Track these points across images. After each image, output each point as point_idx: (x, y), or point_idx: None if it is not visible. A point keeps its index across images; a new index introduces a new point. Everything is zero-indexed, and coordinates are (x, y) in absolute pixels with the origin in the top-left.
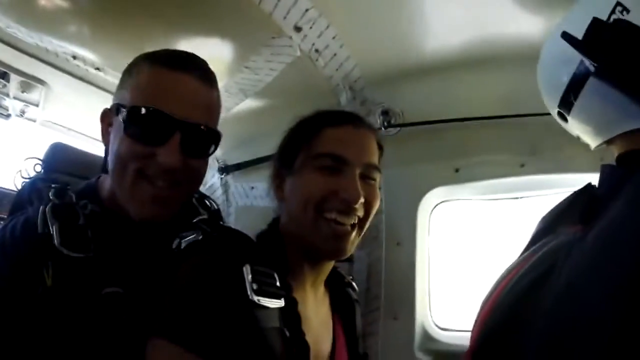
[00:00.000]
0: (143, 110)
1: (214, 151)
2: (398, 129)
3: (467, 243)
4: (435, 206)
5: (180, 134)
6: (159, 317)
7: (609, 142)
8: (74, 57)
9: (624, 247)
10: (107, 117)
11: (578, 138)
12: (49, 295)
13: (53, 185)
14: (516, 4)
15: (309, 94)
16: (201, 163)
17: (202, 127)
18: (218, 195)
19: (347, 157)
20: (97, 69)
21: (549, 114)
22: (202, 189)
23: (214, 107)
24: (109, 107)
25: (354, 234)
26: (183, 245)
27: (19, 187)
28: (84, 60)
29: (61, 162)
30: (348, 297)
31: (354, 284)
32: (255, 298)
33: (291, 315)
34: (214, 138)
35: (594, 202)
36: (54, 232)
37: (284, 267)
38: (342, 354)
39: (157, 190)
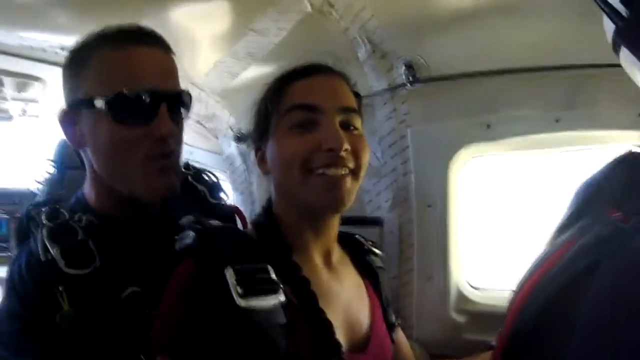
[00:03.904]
0: (128, 93)
1: (189, 113)
2: (424, 83)
3: (498, 198)
4: (465, 163)
5: (166, 105)
6: (157, 334)
7: None
8: (62, 49)
9: None
10: (69, 116)
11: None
12: (69, 318)
13: (43, 209)
14: None
15: (323, 51)
16: (182, 127)
17: (179, 92)
18: (237, 164)
19: (318, 104)
20: None
21: (585, 65)
22: (219, 158)
23: (177, 71)
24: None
25: (348, 180)
26: (180, 247)
27: (37, 190)
28: None
29: (72, 157)
30: (369, 265)
31: (376, 250)
32: (243, 303)
33: (305, 295)
34: (190, 100)
35: (635, 178)
36: (57, 257)
37: (284, 249)
38: (379, 320)
39: (162, 163)
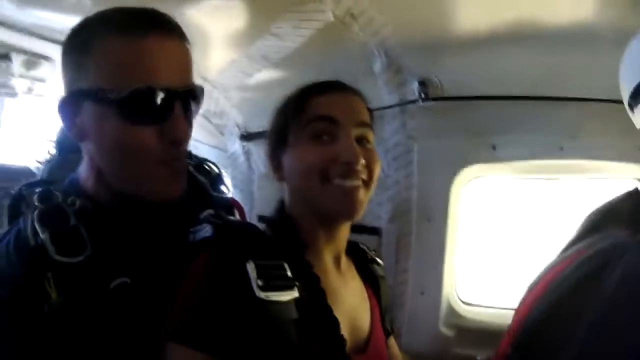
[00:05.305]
0: (140, 91)
1: (199, 108)
2: (435, 102)
3: (498, 219)
4: (468, 182)
5: (180, 104)
6: (173, 321)
7: None
8: None
9: None
10: (69, 106)
11: None
12: (59, 308)
13: (37, 190)
14: None
15: (338, 61)
16: (192, 124)
17: (193, 88)
18: (240, 162)
19: (337, 117)
20: None
21: (591, 99)
22: (224, 155)
23: (192, 63)
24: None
25: (361, 192)
26: (197, 239)
27: (36, 170)
28: None
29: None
30: (372, 274)
31: (378, 259)
32: (263, 295)
33: (315, 291)
34: (202, 94)
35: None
36: (47, 242)
37: (298, 247)
38: (378, 325)
39: (175, 166)
